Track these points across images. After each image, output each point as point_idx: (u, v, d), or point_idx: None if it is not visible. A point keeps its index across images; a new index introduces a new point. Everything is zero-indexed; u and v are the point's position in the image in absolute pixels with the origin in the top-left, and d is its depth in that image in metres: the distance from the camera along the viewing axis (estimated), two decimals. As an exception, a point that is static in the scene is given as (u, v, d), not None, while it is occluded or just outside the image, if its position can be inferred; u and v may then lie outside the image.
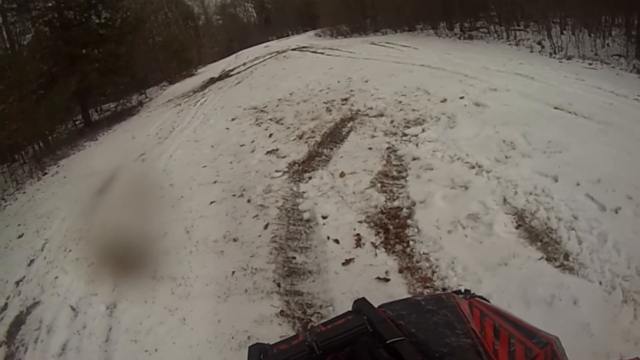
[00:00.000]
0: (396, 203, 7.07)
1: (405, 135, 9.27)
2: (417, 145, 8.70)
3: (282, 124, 12.28)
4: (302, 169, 9.07)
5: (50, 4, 23.84)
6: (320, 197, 7.77)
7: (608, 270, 4.75)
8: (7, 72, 18.01)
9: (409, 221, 6.55)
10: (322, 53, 23.75)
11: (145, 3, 37.88)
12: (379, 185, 7.70)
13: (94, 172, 12.37)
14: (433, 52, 18.66)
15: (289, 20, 56.77)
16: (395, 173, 7.99)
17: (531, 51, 17.41)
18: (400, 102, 11.35)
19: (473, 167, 7.44)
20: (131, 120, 22.52)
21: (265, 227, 7.33)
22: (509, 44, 19.39)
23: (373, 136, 9.61)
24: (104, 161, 14.39)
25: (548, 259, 5.11)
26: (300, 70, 19.46)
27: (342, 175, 8.27)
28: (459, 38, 23.17)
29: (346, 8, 33.90)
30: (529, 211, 5.98)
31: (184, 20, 53.08)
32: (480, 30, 23.15)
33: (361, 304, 2.13)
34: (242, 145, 11.41)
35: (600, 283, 4.64)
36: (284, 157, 9.83)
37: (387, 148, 8.89)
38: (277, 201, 8.06)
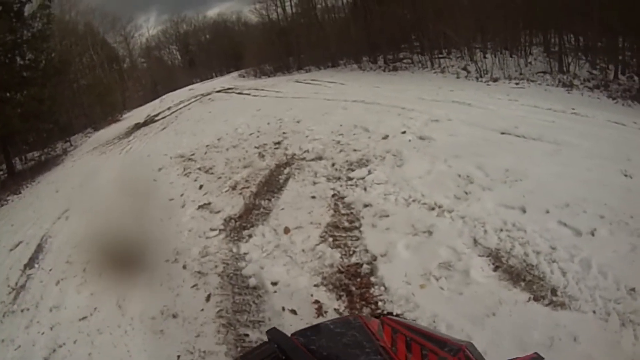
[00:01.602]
0: (354, 259, 6.14)
1: (350, 179, 8.34)
2: (365, 189, 7.79)
3: (212, 173, 11.01)
4: (240, 225, 7.88)
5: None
6: (266, 259, 6.66)
7: (599, 297, 4.56)
8: None
9: (372, 279, 5.68)
10: (248, 94, 22.76)
11: (70, 45, 36.23)
12: (330, 239, 6.70)
13: (18, 240, 10.98)
14: (361, 86, 18.26)
15: (213, 62, 56.21)
16: (346, 224, 7.00)
17: (457, 77, 17.67)
18: (338, 142, 10.42)
19: (433, 209, 6.76)
20: (55, 171, 20.73)
21: (208, 298, 6.23)
22: (435, 72, 19.45)
23: (315, 182, 8.59)
24: (26, 222, 12.55)
25: (536, 299, 4.73)
26: (227, 113, 18.08)
27: (286, 231, 7.13)
28: (384, 70, 23.15)
29: (270, 47, 33.38)
30: (504, 249, 5.52)
31: (109, 63, 51.54)
32: (404, 61, 23.27)
33: (273, 334, 2.05)
34: (171, 200, 10.06)
35: (594, 312, 4.42)
36: (218, 211, 8.59)
37: (333, 195, 7.91)
38: (216, 266, 6.86)
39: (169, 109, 27.72)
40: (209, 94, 27.71)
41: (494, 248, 5.57)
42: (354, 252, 6.29)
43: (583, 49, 16.85)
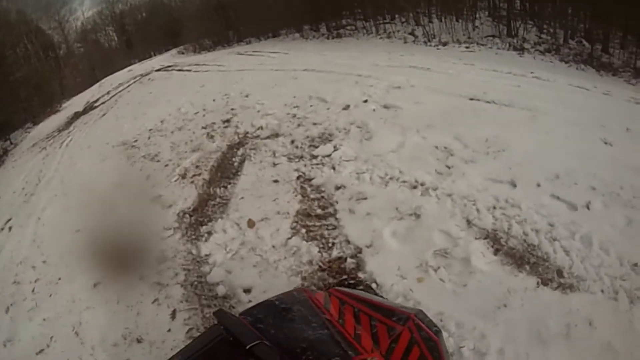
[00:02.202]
0: (335, 252, 5.40)
1: (314, 157, 7.43)
2: (334, 168, 6.93)
3: (158, 160, 9.80)
4: (196, 220, 6.89)
5: None
6: (232, 261, 5.77)
7: (605, 275, 4.43)
8: None
9: (361, 275, 5.01)
10: (189, 70, 21.41)
11: (3, 36, 34.52)
12: (303, 231, 5.87)
13: None
14: (306, 55, 17.53)
15: (150, 41, 54.55)
16: (319, 210, 6.16)
17: (405, 42, 17.27)
18: (294, 115, 9.42)
19: (415, 187, 6.05)
20: (-3, 175, 19.56)
21: (173, 315, 5.39)
22: (380, 38, 19.00)
23: (275, 164, 7.61)
24: None
25: (544, 283, 4.48)
26: (169, 93, 16.63)
27: (251, 224, 6.20)
28: (327, 38, 22.56)
29: (209, 22, 32.42)
30: (501, 230, 5.12)
31: (45, 52, 49.70)
32: (347, 28, 22.62)
33: (220, 315, 2.13)
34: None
35: (603, 292, 4.31)
36: (170, 205, 7.53)
37: (298, 177, 7.00)
38: (176, 274, 5.94)
39: (108, 93, 26.15)
40: (148, 73, 26.17)
41: (490, 229, 5.12)
42: (334, 244, 5.51)
43: (530, 14, 16.54)
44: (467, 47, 14.72)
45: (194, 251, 6.21)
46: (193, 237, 6.52)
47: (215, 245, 6.11)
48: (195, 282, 5.67)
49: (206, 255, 6.02)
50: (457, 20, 17.63)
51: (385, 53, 14.50)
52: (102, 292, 6.21)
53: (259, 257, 5.62)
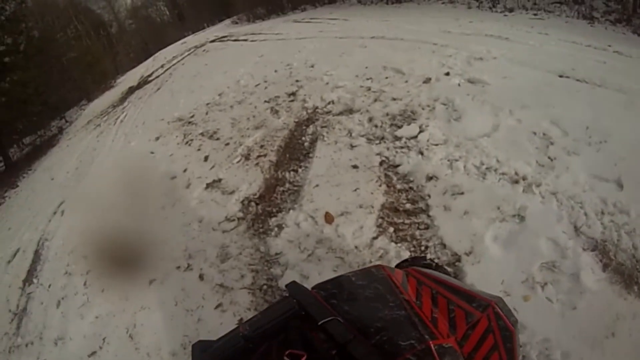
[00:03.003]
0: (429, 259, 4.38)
1: (397, 138, 6.51)
2: (422, 153, 6.02)
3: (217, 138, 9.02)
4: (263, 210, 6.11)
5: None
6: (309, 263, 4.97)
7: None
8: None
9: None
10: (245, 40, 20.73)
11: (52, 20, 34.73)
12: (391, 229, 5.00)
13: (16, 247, 9.48)
14: (368, 20, 16.50)
15: (203, 13, 54.76)
16: (408, 205, 5.28)
17: (469, 7, 16.21)
18: (369, 88, 8.44)
19: (516, 181, 5.19)
20: (51, 153, 19.15)
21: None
22: (443, 3, 17.90)
23: (352, 145, 6.72)
24: (23, 223, 10.93)
25: None
26: (226, 64, 15.96)
27: (329, 219, 5.37)
28: (386, 3, 21.51)
29: None
30: (610, 240, 4.29)
31: (95, 31, 50.34)
32: None
33: (292, 288, 2.04)
34: (173, 178, 8.16)
35: None
36: (232, 191, 6.80)
37: (381, 163, 6.10)
38: (242, 276, 5.20)
39: (162, 66, 25.71)
40: (202, 45, 25.58)
41: (599, 239, 4.33)
42: (427, 247, 4.72)
43: None
44: (535, 15, 13.63)
45: (262, 248, 5.47)
46: (261, 230, 5.78)
47: (287, 243, 5.36)
48: (265, 287, 4.95)
49: (277, 254, 5.27)
50: None
51: (452, 19, 13.56)
52: (158, 291, 5.66)
53: (339, 259, 4.85)
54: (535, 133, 5.81)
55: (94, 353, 5.28)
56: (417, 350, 1.63)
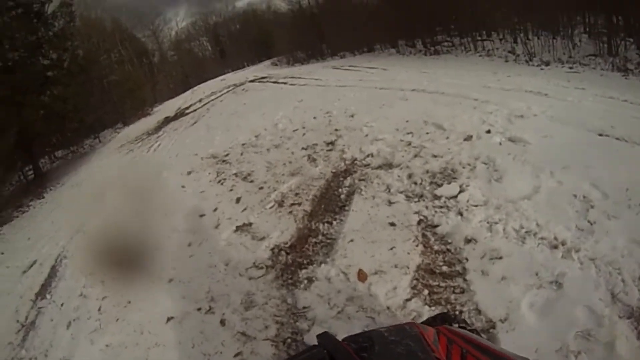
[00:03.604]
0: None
1: (437, 197, 6.31)
2: (461, 214, 5.80)
3: (251, 181, 8.88)
4: (294, 260, 5.89)
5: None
6: (337, 320, 4.73)
7: None
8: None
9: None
10: (284, 83, 20.97)
11: (98, 42, 35.46)
12: (425, 292, 4.77)
13: (33, 259, 9.41)
14: (407, 71, 16.58)
15: (244, 52, 55.84)
16: (444, 268, 5.05)
17: (506, 60, 16.49)
18: (409, 143, 8.30)
19: (555, 246, 4.91)
20: (81, 171, 19.27)
21: None
22: (480, 56, 18.32)
23: (390, 202, 6.51)
24: (43, 236, 10.96)
25: None
26: (264, 106, 15.98)
27: (362, 277, 5.13)
28: (424, 54, 21.99)
29: (302, 34, 32.50)
30: None
31: (138, 58, 51.31)
32: (444, 44, 22.05)
33: (324, 338, 1.93)
34: (202, 216, 8.02)
35: None
36: (263, 237, 6.61)
37: (419, 222, 5.88)
38: (267, 327, 4.94)
39: (200, 101, 26.14)
40: (242, 83, 25.96)
41: (635, 306, 4.11)
42: (461, 312, 4.49)
43: (628, 30, 15.04)
44: (570, 68, 13.61)
45: (289, 300, 5.24)
46: (290, 281, 5.56)
47: (316, 297, 5.14)
48: (289, 341, 4.70)
49: (305, 307, 5.04)
50: (554, 38, 16.60)
51: (490, 73, 13.67)
52: (175, 330, 5.43)
53: (370, 319, 4.61)
54: (575, 196, 5.64)
55: (98, 383, 5.06)
56: None
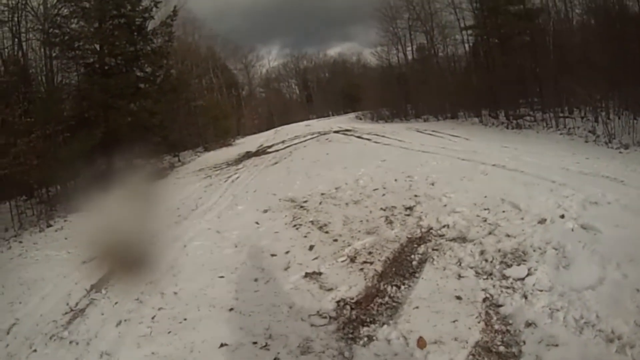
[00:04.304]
0: None
1: (505, 277, 6.36)
2: (526, 297, 5.83)
3: (326, 231, 8.99)
4: (357, 316, 6.00)
5: (93, 47, 22.27)
6: (389, 381, 4.74)
7: None
8: (36, 107, 17.32)
9: None
10: (368, 139, 21.01)
11: (191, 66, 36.39)
12: (480, 370, 4.82)
13: (94, 243, 9.27)
14: (489, 144, 16.52)
15: (329, 100, 55.95)
16: (502, 348, 5.09)
17: (586, 141, 16.40)
18: (485, 220, 8.32)
19: (611, 340, 4.86)
20: (157, 185, 19.66)
21: None
22: (560, 134, 18.33)
23: (460, 276, 6.59)
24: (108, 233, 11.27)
25: None
26: (347, 159, 16.05)
27: (421, 344, 5.21)
28: (507, 127, 22.04)
29: (388, 92, 32.61)
30: None
31: (228, 88, 52.25)
32: (526, 118, 21.99)
33: None
34: (273, 255, 8.20)
35: None
36: (330, 289, 6.74)
37: (484, 300, 5.95)
38: (320, 375, 5.01)
39: (283, 142, 26.48)
40: (326, 133, 26.25)
41: None
42: None
43: None
44: None
45: (346, 354, 5.30)
46: (350, 336, 5.64)
47: (373, 356, 5.21)
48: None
49: (359, 365, 5.15)
50: (634, 118, 16.29)
51: (570, 154, 13.60)
52: (226, 357, 5.50)
53: None
54: (638, 290, 5.54)
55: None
56: None
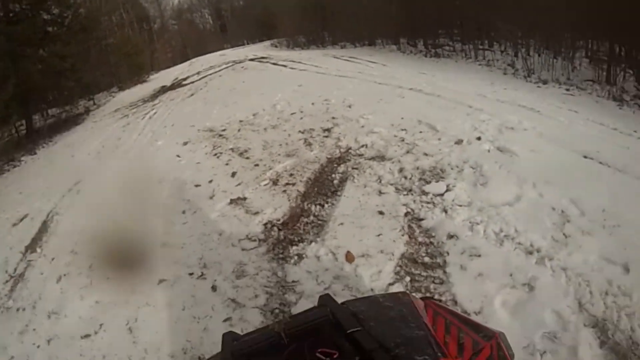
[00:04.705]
0: None
1: (425, 193, 6.62)
2: (446, 211, 6.13)
3: (247, 157, 9.22)
4: (285, 237, 6.20)
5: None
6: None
7: None
8: None
9: None
10: (284, 66, 20.99)
11: (101, 3, 35.05)
12: (407, 278, 5.13)
13: (24, 213, 9.39)
14: (407, 71, 16.68)
15: (244, 29, 54.83)
16: (427, 259, 5.40)
17: (504, 73, 16.47)
18: (402, 139, 8.57)
19: (531, 252, 5.25)
20: (75, 131, 19.34)
21: None
22: (479, 64, 18.31)
23: (381, 192, 6.83)
24: (35, 191, 10.96)
25: None
26: (264, 86, 16.08)
27: (350, 258, 5.47)
28: (425, 55, 21.90)
29: (305, 19, 32.15)
30: (611, 320, 4.37)
31: (139, 23, 50.68)
32: (445, 48, 21.96)
33: (326, 299, 2.22)
34: (197, 186, 8.38)
35: None
36: (256, 212, 6.90)
37: (406, 214, 6.20)
38: (256, 296, 5.25)
39: (198, 73, 26.00)
40: (241, 61, 25.88)
41: (600, 317, 4.42)
42: (439, 301, 4.71)
43: (630, 61, 15.03)
44: (567, 90, 13.75)
45: (279, 273, 5.55)
46: (280, 256, 5.87)
47: (305, 273, 5.45)
48: (277, 310, 5.00)
49: (294, 281, 5.36)
50: (555, 58, 16.58)
51: (488, 83, 13.88)
52: (166, 292, 5.67)
53: (353, 297, 4.77)
54: (554, 209, 5.93)
55: (87, 336, 5.27)
56: None
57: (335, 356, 1.83)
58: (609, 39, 15.29)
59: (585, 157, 7.38)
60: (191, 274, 5.84)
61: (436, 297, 4.86)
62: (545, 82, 14.66)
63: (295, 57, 24.17)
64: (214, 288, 5.52)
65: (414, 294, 2.56)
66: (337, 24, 30.78)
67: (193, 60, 39.25)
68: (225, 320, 4.97)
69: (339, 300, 2.28)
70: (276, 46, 36.97)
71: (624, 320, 4.32)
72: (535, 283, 4.86)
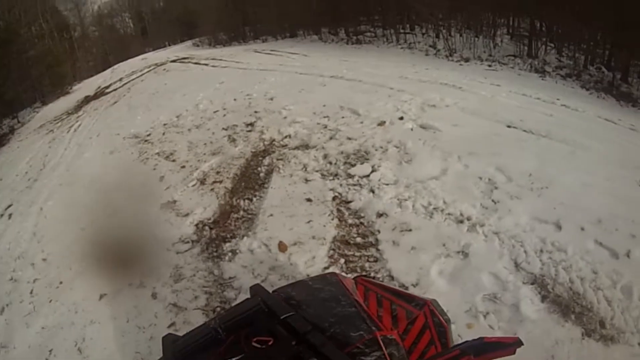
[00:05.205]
0: None
1: (350, 176, 6.75)
2: (373, 192, 6.27)
3: (173, 160, 9.09)
4: (217, 235, 6.19)
5: None
6: (261, 287, 4.96)
7: None
8: None
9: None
10: (206, 64, 20.80)
11: (19, 14, 34.01)
12: (342, 260, 5.25)
13: None
14: (328, 59, 16.94)
15: (166, 31, 54.25)
16: (359, 239, 5.53)
17: (426, 54, 17.05)
18: (325, 126, 8.70)
19: (461, 221, 5.52)
20: (1, 153, 18.43)
21: None
22: (401, 48, 18.78)
23: (307, 180, 6.92)
24: None
25: (588, 334, 4.17)
26: (186, 86, 15.88)
27: (282, 247, 5.52)
28: (347, 43, 22.35)
29: (225, 15, 31.98)
30: (549, 275, 4.68)
31: (59, 32, 49.26)
32: (367, 34, 22.33)
33: (257, 289, 2.31)
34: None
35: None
36: (187, 214, 6.85)
37: (334, 198, 6.32)
38: (196, 297, 5.25)
39: (120, 80, 25.38)
40: (163, 64, 25.40)
41: (538, 274, 4.71)
42: (375, 279, 4.85)
43: (550, 35, 16.24)
44: (489, 66, 14.38)
45: (216, 272, 5.55)
46: (215, 254, 5.86)
47: (240, 268, 5.47)
48: (219, 309, 5.00)
49: (230, 278, 5.37)
50: (476, 37, 17.36)
51: (410, 65, 14.11)
52: (109, 306, 5.54)
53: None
54: (481, 178, 6.14)
55: (40, 366, 5.13)
56: (366, 339, 1.90)
57: (270, 343, 1.88)
58: (530, 15, 15.96)
59: (509, 126, 7.68)
60: (130, 284, 5.73)
61: (372, 274, 4.96)
62: (467, 60, 15.02)
63: (217, 54, 24.11)
64: (154, 295, 5.46)
65: (342, 274, 2.65)
66: (257, 18, 30.82)
67: (115, 67, 38.41)
68: (169, 326, 4.93)
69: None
70: (198, 45, 36.71)
71: (562, 274, 4.62)
72: (469, 249, 5.04)
